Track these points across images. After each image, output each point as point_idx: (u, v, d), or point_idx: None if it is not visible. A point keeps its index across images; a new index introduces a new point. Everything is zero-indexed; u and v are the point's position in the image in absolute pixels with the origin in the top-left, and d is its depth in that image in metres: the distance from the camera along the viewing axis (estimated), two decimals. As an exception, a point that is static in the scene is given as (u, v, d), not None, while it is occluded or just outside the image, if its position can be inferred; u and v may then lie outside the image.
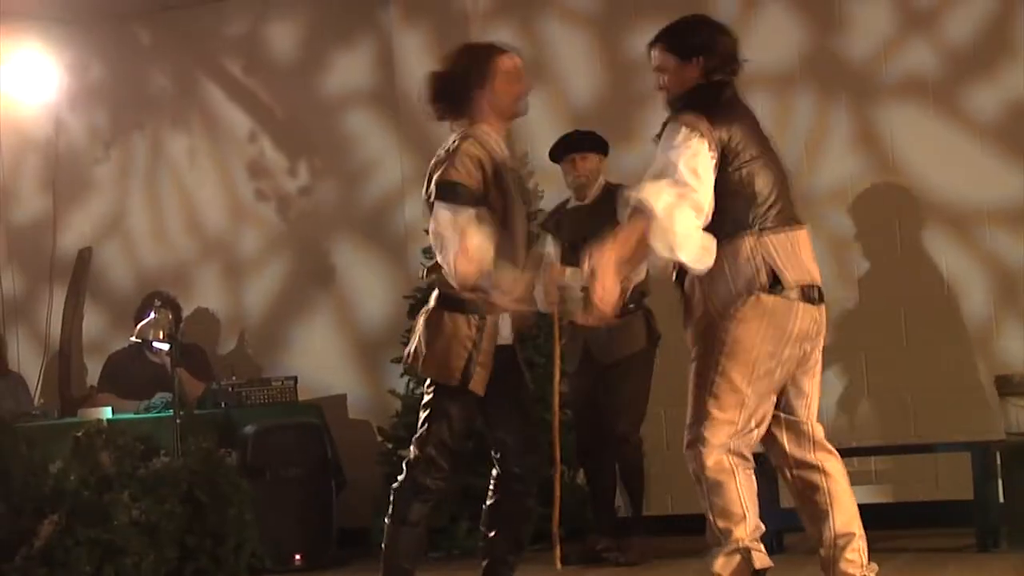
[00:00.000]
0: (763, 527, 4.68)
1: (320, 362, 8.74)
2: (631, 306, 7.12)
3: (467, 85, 5.14)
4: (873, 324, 7.67)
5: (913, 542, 4.84)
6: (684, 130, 4.59)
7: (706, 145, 4.57)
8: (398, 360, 7.93)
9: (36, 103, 9.42)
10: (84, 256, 9.36)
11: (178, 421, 7.39)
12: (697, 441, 4.62)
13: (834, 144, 7.83)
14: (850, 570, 4.62)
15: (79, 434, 7.15)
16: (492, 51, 5.22)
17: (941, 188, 7.64)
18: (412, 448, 5.21)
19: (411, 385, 7.86)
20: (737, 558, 4.59)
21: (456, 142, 5.13)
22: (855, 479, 5.78)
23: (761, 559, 4.60)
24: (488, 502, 5.29)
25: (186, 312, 8.73)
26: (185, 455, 7.30)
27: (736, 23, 7.96)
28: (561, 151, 7.27)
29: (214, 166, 9.17)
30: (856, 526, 4.66)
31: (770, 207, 4.65)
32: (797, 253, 4.66)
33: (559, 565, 7.01)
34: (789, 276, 4.60)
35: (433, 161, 5.19)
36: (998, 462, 6.87)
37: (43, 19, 9.23)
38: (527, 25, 8.33)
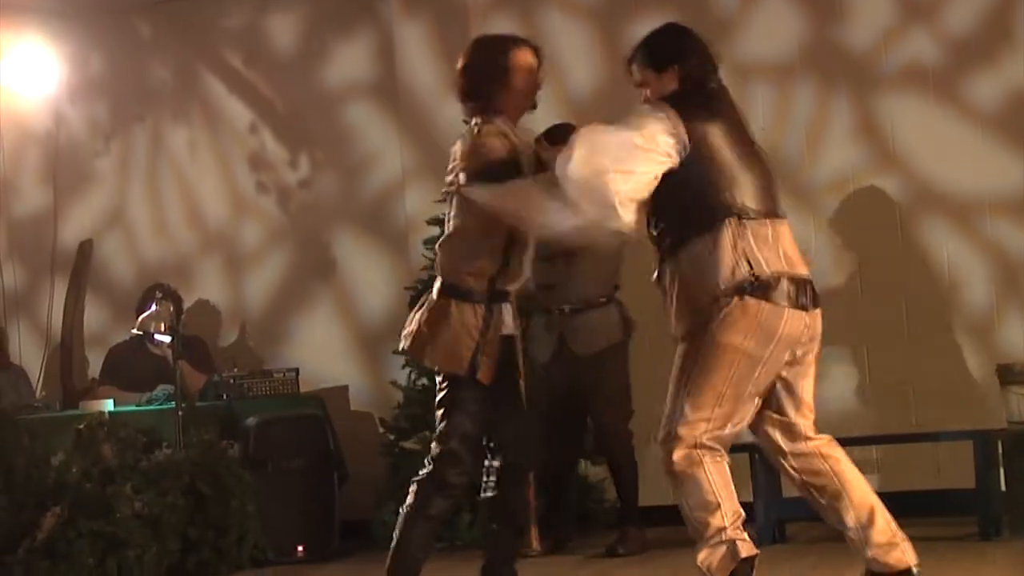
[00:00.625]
0: (743, 513, 4.67)
1: (321, 354, 8.75)
2: (603, 299, 7.15)
3: (486, 80, 5.14)
4: (874, 313, 7.67)
5: (915, 531, 4.83)
6: (646, 108, 4.66)
7: (665, 127, 4.58)
8: (400, 352, 7.97)
9: (36, 96, 9.42)
10: (85, 249, 9.36)
11: (180, 413, 7.40)
12: (669, 438, 4.64)
13: (834, 134, 7.83)
14: (882, 539, 4.61)
15: (81, 426, 7.16)
16: (511, 45, 5.23)
17: (942, 178, 7.64)
18: (434, 444, 5.18)
19: (413, 376, 7.87)
20: (722, 549, 4.59)
21: (477, 130, 5.12)
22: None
23: (746, 548, 4.60)
24: (487, 494, 5.26)
25: (187, 304, 8.73)
26: (187, 447, 7.31)
27: (736, 13, 8.00)
28: (547, 142, 7.23)
29: (215, 159, 9.17)
30: (873, 498, 4.66)
31: (749, 198, 4.65)
32: (777, 244, 4.66)
33: (535, 545, 7.06)
34: (766, 266, 4.59)
35: (459, 150, 5.16)
36: (1000, 451, 6.88)
37: (43, 12, 9.22)
38: (527, 16, 8.32)
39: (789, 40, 7.92)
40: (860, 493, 4.66)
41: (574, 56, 8.25)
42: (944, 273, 7.63)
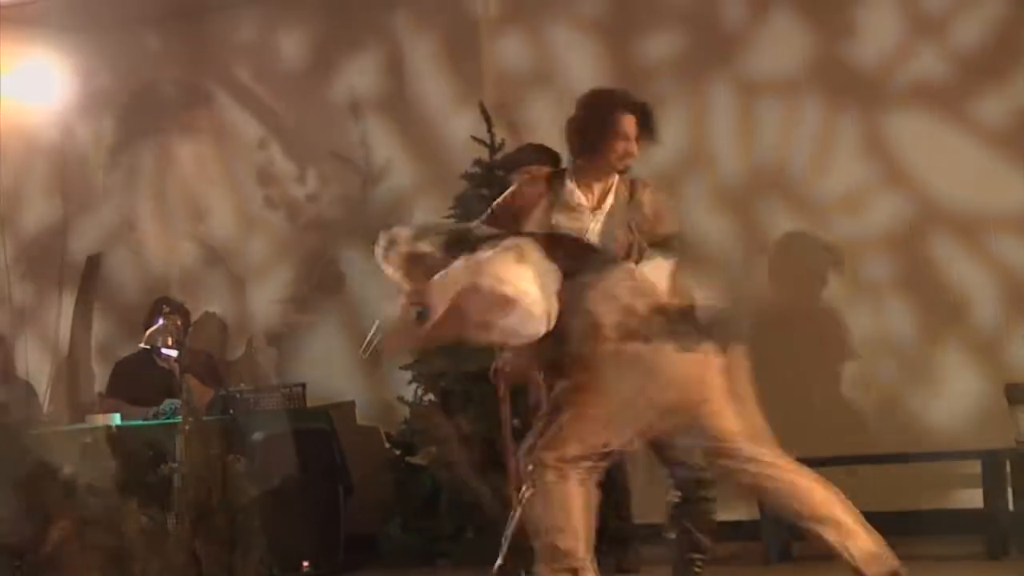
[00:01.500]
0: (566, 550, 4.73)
1: (328, 369, 8.74)
2: None
3: (587, 133, 5.25)
4: (882, 331, 7.65)
5: (922, 550, 4.83)
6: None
7: None
8: (406, 367, 7.98)
9: (45, 110, 9.44)
10: (93, 263, 9.38)
11: (186, 427, 7.39)
12: (530, 450, 4.76)
13: (842, 151, 7.82)
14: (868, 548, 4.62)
15: (88, 440, 7.16)
16: (616, 105, 5.29)
17: (950, 195, 7.62)
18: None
19: (419, 392, 7.86)
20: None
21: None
22: (863, 487, 5.79)
23: None
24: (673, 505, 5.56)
25: (194, 318, 8.73)
26: (193, 461, 7.30)
27: (744, 30, 8.00)
28: (513, 163, 7.07)
29: (223, 173, 9.18)
30: (839, 511, 4.65)
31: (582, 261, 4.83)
32: (644, 284, 4.80)
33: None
34: (640, 305, 4.70)
35: None
36: (1008, 470, 6.86)
37: (52, 26, 9.23)
38: (536, 32, 8.33)
39: (796, 57, 7.91)
40: (820, 495, 4.66)
41: (582, 71, 8.24)
42: (952, 291, 7.61)
